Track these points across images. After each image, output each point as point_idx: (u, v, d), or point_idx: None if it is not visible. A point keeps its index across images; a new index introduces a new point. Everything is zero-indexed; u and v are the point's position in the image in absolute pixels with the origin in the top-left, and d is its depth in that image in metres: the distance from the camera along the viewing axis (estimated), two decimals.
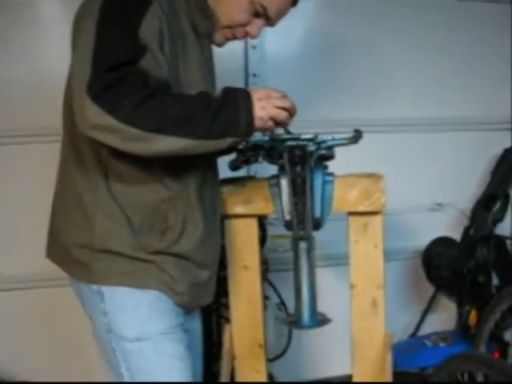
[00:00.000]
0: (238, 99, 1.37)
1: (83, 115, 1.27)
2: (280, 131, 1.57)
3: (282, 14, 1.58)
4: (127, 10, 1.34)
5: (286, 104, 1.43)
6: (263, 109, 1.39)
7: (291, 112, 1.46)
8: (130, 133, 1.26)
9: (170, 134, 1.29)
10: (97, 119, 1.25)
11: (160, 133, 1.28)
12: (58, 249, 1.56)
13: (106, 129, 1.26)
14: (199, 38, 1.53)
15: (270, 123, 1.42)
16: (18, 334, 2.56)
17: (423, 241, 2.93)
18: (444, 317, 3.06)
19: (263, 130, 1.46)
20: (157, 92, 1.29)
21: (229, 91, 1.39)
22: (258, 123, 1.39)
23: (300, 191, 1.58)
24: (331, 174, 1.73)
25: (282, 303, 2.68)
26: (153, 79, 1.30)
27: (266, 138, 1.58)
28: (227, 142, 1.36)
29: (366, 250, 1.80)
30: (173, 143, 1.30)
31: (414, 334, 3.00)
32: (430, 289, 2.99)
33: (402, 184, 2.71)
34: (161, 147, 1.30)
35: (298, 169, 1.57)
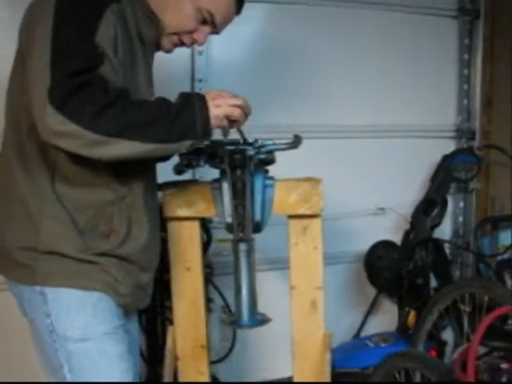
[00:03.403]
0: (193, 102, 1.40)
1: (44, 122, 1.27)
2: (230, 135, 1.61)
3: (227, 21, 1.62)
4: (83, 15, 1.35)
5: (238, 102, 1.48)
6: (217, 107, 1.44)
7: (245, 110, 1.50)
8: (93, 138, 1.27)
9: (130, 138, 1.31)
10: (59, 126, 1.26)
11: (121, 137, 1.30)
12: None
13: (69, 135, 1.27)
14: (144, 46, 1.55)
15: (225, 122, 1.46)
16: None
17: (366, 244, 3.01)
18: (386, 318, 3.14)
19: (219, 128, 1.49)
20: (117, 98, 1.31)
21: (183, 95, 1.42)
22: (214, 122, 1.43)
23: (240, 194, 1.61)
24: (271, 178, 1.76)
25: (227, 306, 2.71)
26: (112, 86, 1.32)
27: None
28: (186, 144, 1.40)
29: (305, 252, 1.83)
30: (133, 147, 1.32)
31: (356, 336, 3.07)
32: (372, 291, 3.07)
33: (345, 189, 2.79)
34: (122, 151, 1.32)
35: (239, 172, 1.59)
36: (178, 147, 1.42)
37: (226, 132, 1.57)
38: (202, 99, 1.42)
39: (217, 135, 1.53)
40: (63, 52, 1.29)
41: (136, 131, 1.32)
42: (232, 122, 1.50)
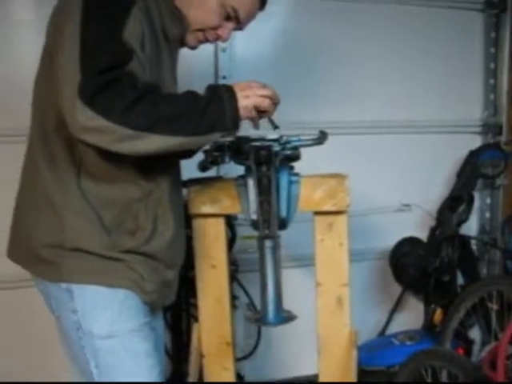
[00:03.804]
0: (221, 93, 1.40)
1: (74, 118, 1.27)
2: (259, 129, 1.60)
3: (251, 17, 1.62)
4: (110, 12, 1.35)
5: (267, 92, 1.47)
6: (246, 97, 1.43)
7: (274, 100, 1.50)
8: (123, 133, 1.27)
9: (161, 132, 1.31)
10: (89, 122, 1.26)
11: (151, 132, 1.30)
12: (22, 248, 1.55)
13: (99, 130, 1.27)
14: (168, 43, 1.55)
15: (254, 112, 1.46)
16: None
17: (391, 241, 2.98)
18: (411, 316, 3.11)
19: (249, 119, 1.48)
20: (146, 93, 1.31)
21: (212, 87, 1.43)
22: (243, 113, 1.43)
23: (266, 191, 1.60)
24: (297, 175, 1.75)
25: (252, 303, 2.71)
26: (140, 82, 1.32)
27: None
28: (216, 136, 1.40)
29: (331, 249, 1.82)
30: (163, 141, 1.32)
31: (382, 333, 3.04)
32: (397, 288, 3.04)
33: (370, 185, 2.77)
34: (152, 146, 1.32)
35: (264, 169, 1.59)
36: (208, 139, 1.41)
37: (256, 123, 1.55)
38: (230, 90, 1.42)
39: (242, 131, 1.52)
40: (92, 49, 1.30)
41: (166, 125, 1.32)
42: (261, 113, 1.49)
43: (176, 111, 1.34)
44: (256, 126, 1.56)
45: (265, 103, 1.47)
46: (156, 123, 1.30)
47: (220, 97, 1.39)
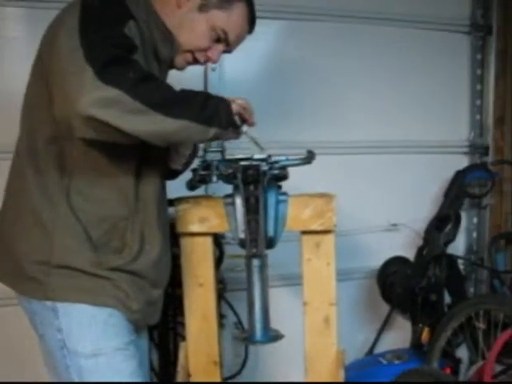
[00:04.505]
0: (213, 95, 1.46)
1: (83, 90, 1.24)
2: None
3: (240, 39, 1.65)
4: (108, 19, 1.38)
5: (243, 102, 1.53)
6: (233, 102, 1.48)
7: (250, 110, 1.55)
8: (132, 105, 1.27)
9: (164, 112, 1.32)
10: (99, 91, 1.24)
11: (156, 110, 1.30)
12: (5, 266, 1.54)
13: (107, 102, 1.25)
14: (159, 64, 1.58)
15: (238, 119, 1.50)
16: None
17: (379, 260, 3.00)
18: (399, 335, 3.11)
19: (239, 120, 1.51)
20: (153, 76, 1.36)
21: (203, 92, 1.47)
22: (234, 113, 1.47)
23: (253, 210, 1.61)
24: (284, 194, 1.77)
25: (239, 322, 2.70)
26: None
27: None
28: (212, 132, 1.42)
29: (318, 268, 1.83)
30: (164, 123, 1.33)
31: (370, 352, 3.03)
32: (385, 307, 3.04)
33: (357, 205, 2.79)
34: (153, 126, 1.32)
35: (252, 188, 1.61)
36: (205, 133, 1.42)
37: (240, 132, 1.56)
38: (219, 96, 1.48)
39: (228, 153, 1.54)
40: (95, 44, 1.30)
41: (170, 106, 1.33)
42: (243, 121, 1.53)
43: (179, 97, 1.37)
44: (240, 134, 1.57)
45: (246, 112, 1.52)
46: (161, 102, 1.32)
47: (213, 96, 1.45)
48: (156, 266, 1.58)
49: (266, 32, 2.72)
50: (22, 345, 2.24)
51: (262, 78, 2.83)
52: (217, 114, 1.42)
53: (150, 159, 1.55)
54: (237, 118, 1.48)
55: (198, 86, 2.69)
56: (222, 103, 1.45)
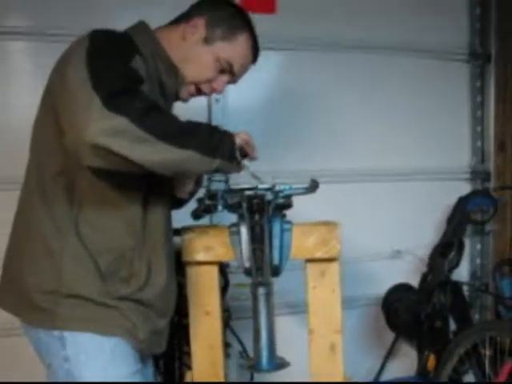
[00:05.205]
0: (217, 127, 1.48)
1: (90, 120, 1.26)
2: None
3: (244, 69, 1.69)
4: (115, 52, 1.42)
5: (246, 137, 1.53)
6: (236, 136, 1.50)
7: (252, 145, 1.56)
8: (138, 134, 1.29)
9: (171, 143, 1.34)
10: (106, 121, 1.26)
11: (162, 140, 1.32)
12: (13, 295, 1.55)
13: (115, 131, 1.27)
14: (164, 96, 1.61)
15: (239, 154, 1.50)
16: None
17: (383, 287, 2.99)
18: (405, 362, 3.09)
19: (241, 155, 1.52)
20: (159, 106, 1.37)
21: (208, 124, 1.50)
22: (237, 146, 1.49)
23: (258, 238, 1.62)
24: (289, 222, 1.77)
25: (245, 351, 2.69)
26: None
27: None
28: (215, 163, 1.44)
29: (324, 296, 1.83)
30: (170, 153, 1.34)
31: (376, 380, 3.01)
32: (390, 335, 3.03)
33: (360, 232, 2.78)
34: (159, 156, 1.34)
35: (257, 217, 1.62)
36: (208, 165, 1.44)
37: (241, 166, 1.57)
38: (225, 130, 1.49)
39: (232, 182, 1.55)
40: (103, 76, 1.32)
41: (176, 137, 1.35)
42: (244, 156, 1.54)
43: (184, 127, 1.39)
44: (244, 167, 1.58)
45: (248, 147, 1.54)
46: (167, 132, 1.34)
47: (219, 129, 1.47)
48: (163, 295, 1.60)
49: (267, 63, 2.77)
50: (27, 373, 2.24)
51: (264, 108, 2.88)
52: (221, 146, 1.44)
53: (156, 189, 1.58)
54: (238, 153, 1.49)
55: (202, 117, 2.73)
56: (227, 136, 1.47)
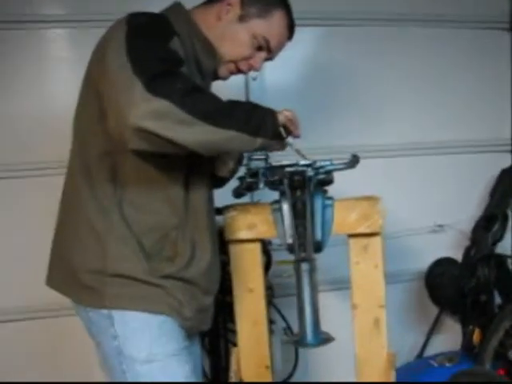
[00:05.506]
0: (260, 106, 1.48)
1: (132, 104, 1.28)
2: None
3: (281, 46, 1.68)
4: (153, 35, 1.43)
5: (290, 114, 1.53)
6: (280, 113, 1.49)
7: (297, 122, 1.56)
8: (180, 116, 1.30)
9: (213, 123, 1.34)
10: (149, 104, 1.28)
11: (205, 121, 1.33)
12: (62, 276, 1.59)
13: (157, 114, 1.28)
14: (202, 77, 1.62)
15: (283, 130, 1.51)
16: (23, 366, 2.58)
17: (426, 262, 2.99)
18: (449, 337, 3.08)
19: (285, 132, 1.52)
20: (200, 87, 1.38)
21: (249, 102, 1.51)
22: (281, 123, 1.49)
23: (300, 215, 1.63)
24: (330, 198, 1.78)
25: (288, 327, 2.71)
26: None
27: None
28: (258, 142, 1.45)
29: (366, 271, 1.83)
30: (213, 133, 1.36)
31: (420, 355, 3.01)
32: (434, 309, 3.03)
33: (403, 207, 2.77)
34: (202, 136, 1.35)
35: (298, 193, 1.62)
36: (251, 144, 1.45)
37: (285, 143, 1.57)
38: (267, 107, 1.49)
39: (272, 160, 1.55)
40: (142, 59, 1.34)
41: (218, 117, 1.36)
42: (288, 133, 1.54)
43: (227, 107, 1.39)
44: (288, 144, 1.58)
45: (292, 124, 1.53)
46: (210, 113, 1.34)
47: (260, 107, 1.47)
48: (207, 273, 1.62)
49: (303, 39, 2.73)
50: (79, 353, 2.31)
51: (303, 84, 2.86)
52: (263, 124, 1.44)
53: (197, 169, 1.59)
54: (282, 130, 1.49)
55: (239, 96, 2.73)
56: (269, 114, 1.47)
